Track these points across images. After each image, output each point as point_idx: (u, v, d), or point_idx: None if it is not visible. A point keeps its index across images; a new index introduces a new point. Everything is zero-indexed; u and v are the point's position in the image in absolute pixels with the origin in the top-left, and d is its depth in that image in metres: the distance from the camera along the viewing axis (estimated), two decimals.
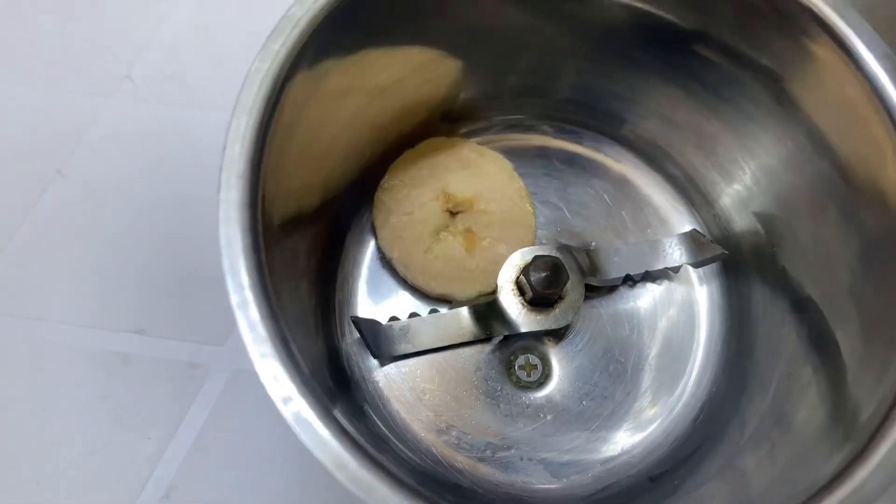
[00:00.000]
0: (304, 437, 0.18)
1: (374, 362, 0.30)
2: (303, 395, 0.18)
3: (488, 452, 0.29)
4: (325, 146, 0.28)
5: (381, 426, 0.29)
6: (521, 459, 0.29)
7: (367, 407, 0.29)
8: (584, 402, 0.30)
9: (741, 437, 0.28)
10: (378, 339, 0.30)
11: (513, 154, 0.33)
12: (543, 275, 0.28)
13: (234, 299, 0.19)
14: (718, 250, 0.31)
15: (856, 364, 0.24)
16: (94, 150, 0.38)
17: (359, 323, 0.29)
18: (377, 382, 0.30)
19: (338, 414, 0.19)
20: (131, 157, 0.38)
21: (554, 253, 0.29)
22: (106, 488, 0.32)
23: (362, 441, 0.19)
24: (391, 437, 0.28)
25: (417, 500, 0.18)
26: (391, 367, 0.30)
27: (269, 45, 0.21)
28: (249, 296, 0.19)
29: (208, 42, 0.41)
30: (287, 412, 0.18)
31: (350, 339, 0.30)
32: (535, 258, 0.29)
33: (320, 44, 0.23)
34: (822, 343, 0.26)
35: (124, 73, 0.40)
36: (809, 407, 0.25)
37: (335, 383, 0.28)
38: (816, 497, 0.20)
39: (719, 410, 0.29)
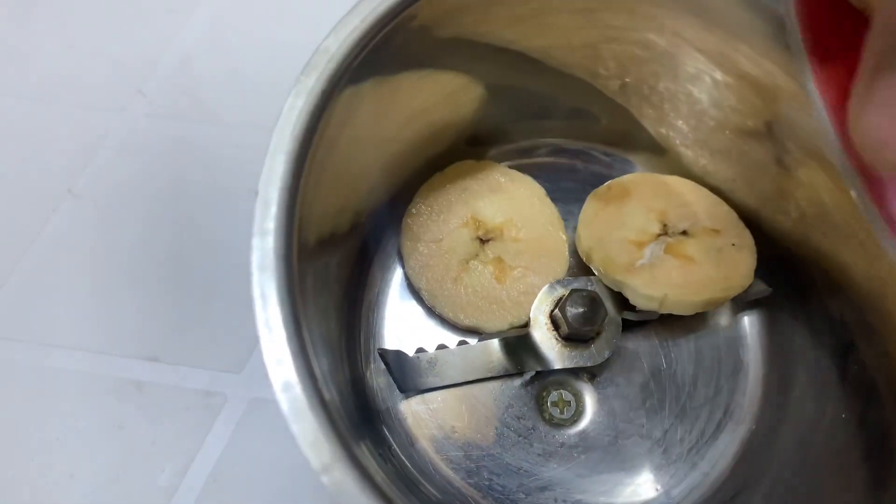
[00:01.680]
0: None
1: (401, 397, 0.29)
2: (342, 462, 0.17)
3: (521, 495, 0.28)
4: (356, 172, 0.27)
5: (410, 466, 0.27)
6: (556, 501, 0.28)
7: (394, 446, 0.28)
8: (619, 441, 0.29)
9: (779, 482, 0.27)
10: (404, 372, 0.28)
11: (545, 178, 0.32)
12: (581, 311, 0.27)
13: (270, 358, 0.17)
14: (763, 286, 0.30)
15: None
16: (106, 168, 0.37)
17: (385, 355, 0.28)
18: (404, 420, 0.29)
19: (378, 478, 0.18)
20: (144, 175, 0.37)
21: (590, 286, 0.28)
22: None
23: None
24: (421, 479, 0.27)
25: None
26: (419, 404, 0.29)
27: (303, 80, 0.20)
28: (288, 358, 0.17)
29: (222, 56, 0.39)
30: (327, 480, 0.17)
31: (376, 372, 0.29)
32: (572, 292, 0.28)
33: (356, 75, 0.21)
34: (864, 391, 0.25)
35: (136, 88, 0.38)
36: (850, 461, 0.24)
37: (362, 420, 0.27)
38: None
39: (759, 452, 0.28)
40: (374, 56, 0.22)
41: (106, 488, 0.31)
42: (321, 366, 0.20)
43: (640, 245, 0.29)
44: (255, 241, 0.18)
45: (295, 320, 0.18)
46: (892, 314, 0.24)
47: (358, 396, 0.28)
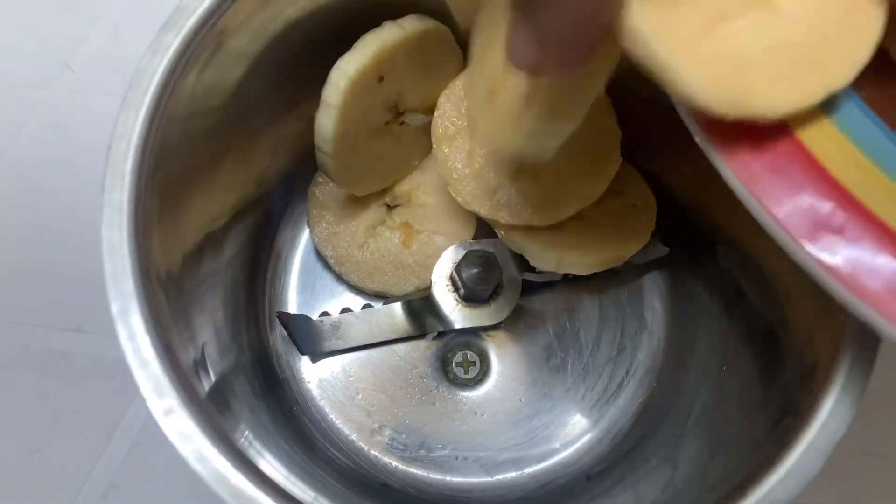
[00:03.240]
0: (183, 449, 0.17)
1: (307, 362, 0.30)
2: (185, 407, 0.17)
3: (422, 452, 0.28)
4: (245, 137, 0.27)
5: (312, 428, 0.28)
6: (457, 459, 0.28)
7: (296, 408, 0.28)
8: (522, 400, 0.29)
9: (679, 433, 0.27)
10: (307, 336, 0.29)
11: None
12: (475, 271, 0.27)
13: (115, 307, 0.18)
14: (660, 246, 0.30)
15: (785, 362, 0.23)
16: (33, 142, 0.37)
17: (285, 319, 0.29)
18: (309, 382, 0.29)
19: (233, 428, 0.18)
20: (72, 150, 0.37)
21: (488, 247, 0.29)
22: (44, 489, 0.32)
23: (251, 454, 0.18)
24: (320, 438, 0.27)
25: None
26: (324, 367, 0.30)
27: (160, 37, 0.20)
28: (133, 304, 0.18)
29: (150, 31, 0.39)
30: (168, 426, 0.17)
31: (282, 337, 0.30)
32: (468, 253, 0.28)
33: (224, 31, 0.21)
34: (757, 339, 0.25)
35: (63, 63, 0.39)
36: (739, 406, 0.24)
37: (265, 384, 0.27)
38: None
39: (660, 407, 0.29)
40: (243, 13, 0.22)
41: (31, 456, 0.32)
42: (185, 321, 0.20)
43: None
44: (106, 197, 0.19)
45: (145, 274, 0.18)
46: (773, 267, 0.25)
47: (262, 361, 0.28)
